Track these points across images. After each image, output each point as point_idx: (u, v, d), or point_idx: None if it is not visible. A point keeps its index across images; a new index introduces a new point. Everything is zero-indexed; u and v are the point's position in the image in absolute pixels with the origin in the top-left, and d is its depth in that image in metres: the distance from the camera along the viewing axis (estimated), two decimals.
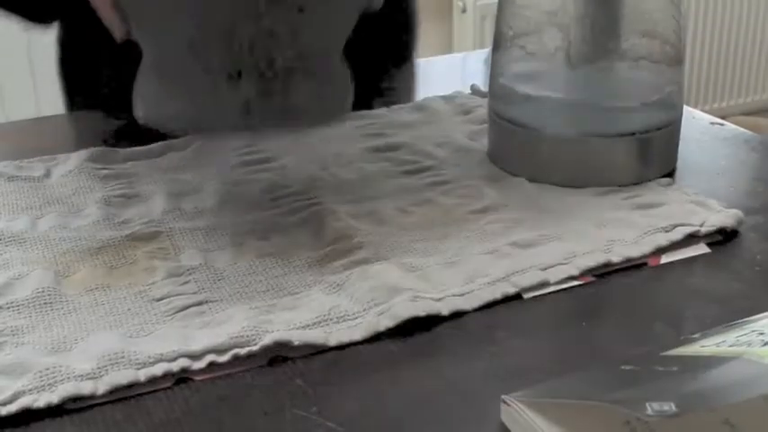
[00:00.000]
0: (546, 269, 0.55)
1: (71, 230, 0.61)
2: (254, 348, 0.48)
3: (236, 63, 0.53)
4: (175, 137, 0.72)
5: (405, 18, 1.01)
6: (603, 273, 0.56)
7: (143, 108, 0.57)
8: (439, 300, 0.52)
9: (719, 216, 0.60)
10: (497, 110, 0.70)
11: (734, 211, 0.61)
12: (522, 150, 0.68)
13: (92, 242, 0.60)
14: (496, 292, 0.53)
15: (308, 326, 0.50)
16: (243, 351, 0.48)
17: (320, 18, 0.54)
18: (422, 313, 0.51)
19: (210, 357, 0.48)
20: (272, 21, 0.52)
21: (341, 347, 0.49)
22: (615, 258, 0.57)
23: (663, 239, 0.58)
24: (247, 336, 0.49)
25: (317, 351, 0.49)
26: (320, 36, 0.55)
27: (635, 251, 0.57)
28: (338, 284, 0.54)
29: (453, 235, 0.60)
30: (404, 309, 0.51)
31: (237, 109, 0.54)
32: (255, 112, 0.54)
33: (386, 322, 0.50)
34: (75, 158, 0.72)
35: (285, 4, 0.52)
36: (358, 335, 0.50)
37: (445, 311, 0.52)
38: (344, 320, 0.51)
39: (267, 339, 0.48)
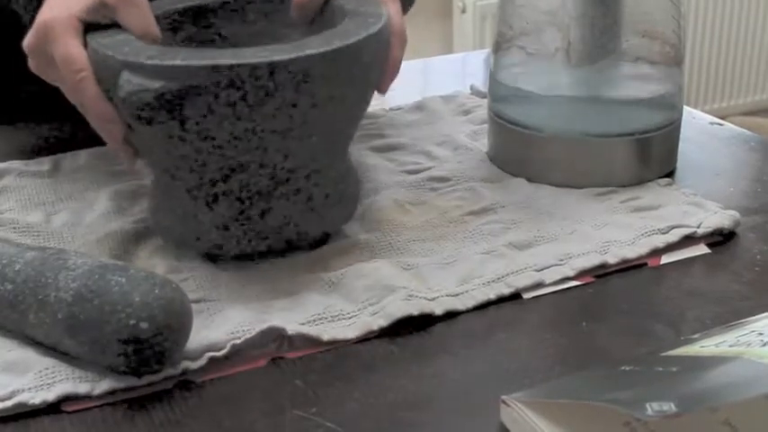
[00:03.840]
0: (541, 270, 0.55)
1: (83, 227, 0.62)
2: (251, 336, 0.48)
3: (211, 188, 0.55)
4: None
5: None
6: (604, 273, 0.56)
7: (151, 217, 0.59)
8: (432, 299, 0.52)
9: (716, 217, 0.60)
10: (497, 110, 0.70)
11: (731, 212, 0.61)
12: (522, 150, 0.68)
13: (99, 236, 0.60)
14: (491, 293, 0.53)
15: (304, 324, 0.50)
16: (240, 341, 0.48)
17: (313, 139, 0.55)
18: (415, 312, 0.51)
19: (209, 355, 0.48)
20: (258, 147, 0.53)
21: (340, 349, 0.49)
22: (611, 259, 0.57)
23: (659, 241, 0.58)
24: (244, 330, 0.49)
25: (317, 352, 0.49)
26: (310, 155, 0.55)
27: (631, 252, 0.57)
28: (333, 283, 0.54)
29: (450, 236, 0.60)
30: (397, 308, 0.51)
31: (216, 230, 0.55)
32: (233, 233, 0.56)
33: (380, 322, 0.51)
34: (83, 156, 0.72)
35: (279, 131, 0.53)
36: (352, 333, 0.50)
37: (439, 311, 0.52)
38: (339, 319, 0.51)
39: (264, 326, 0.49)
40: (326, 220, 0.58)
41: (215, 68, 0.49)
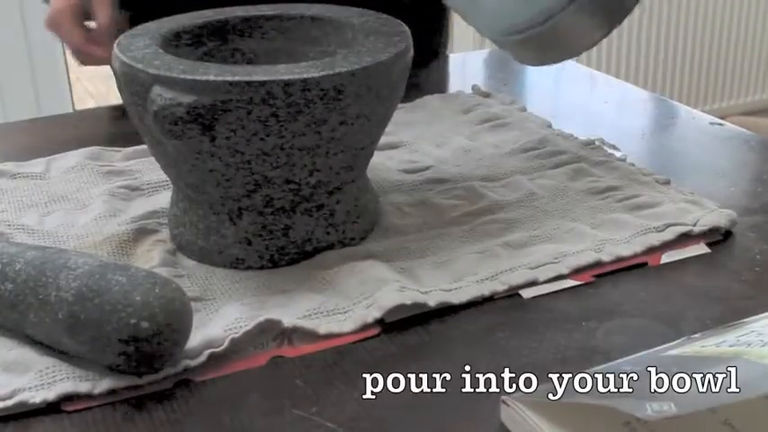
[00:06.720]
0: (536, 268, 0.56)
1: (78, 228, 0.62)
2: (249, 328, 0.49)
3: (235, 203, 0.55)
4: None
5: (435, 13, 1.01)
6: (603, 272, 0.56)
7: (171, 230, 0.60)
8: (426, 293, 0.53)
9: (713, 216, 0.60)
10: None
11: (727, 211, 0.61)
12: None
13: (93, 236, 0.60)
14: (484, 290, 0.54)
15: (300, 319, 0.51)
16: (238, 335, 0.48)
17: (335, 156, 0.55)
18: (408, 302, 0.51)
19: (209, 351, 0.48)
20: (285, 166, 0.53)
21: (340, 348, 0.49)
22: (606, 257, 0.57)
23: (655, 239, 0.58)
24: (241, 325, 0.49)
25: (317, 351, 0.49)
26: (335, 171, 0.56)
27: (626, 250, 0.57)
28: (327, 281, 0.55)
29: (446, 236, 0.60)
30: (390, 298, 0.51)
31: (238, 244, 0.56)
32: (255, 248, 0.56)
33: (374, 314, 0.51)
34: (76, 156, 0.72)
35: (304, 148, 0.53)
36: (347, 327, 0.50)
37: (432, 303, 0.52)
38: (335, 314, 0.51)
39: (261, 318, 0.49)
40: (346, 236, 0.58)
41: (249, 84, 0.49)
